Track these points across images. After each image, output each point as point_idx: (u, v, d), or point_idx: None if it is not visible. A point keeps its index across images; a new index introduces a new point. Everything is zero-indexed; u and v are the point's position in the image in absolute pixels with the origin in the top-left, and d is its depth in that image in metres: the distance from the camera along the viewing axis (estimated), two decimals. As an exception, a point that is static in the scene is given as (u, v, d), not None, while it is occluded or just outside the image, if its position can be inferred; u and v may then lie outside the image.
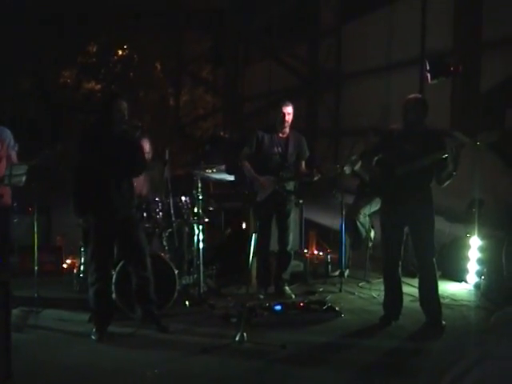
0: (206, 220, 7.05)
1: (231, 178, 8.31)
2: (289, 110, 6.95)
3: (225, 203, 8.52)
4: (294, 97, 16.49)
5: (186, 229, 7.13)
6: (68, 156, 6.37)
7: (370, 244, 8.00)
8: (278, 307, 6.37)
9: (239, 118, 19.78)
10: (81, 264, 7.18)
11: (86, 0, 17.90)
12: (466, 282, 7.43)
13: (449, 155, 5.62)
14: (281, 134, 7.02)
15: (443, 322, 5.96)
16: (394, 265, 6.08)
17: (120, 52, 23.27)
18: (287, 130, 7.03)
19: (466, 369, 3.09)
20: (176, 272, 6.39)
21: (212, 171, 8.97)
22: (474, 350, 5.14)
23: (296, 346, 5.50)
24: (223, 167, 7.46)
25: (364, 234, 7.92)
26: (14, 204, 7.50)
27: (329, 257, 8.09)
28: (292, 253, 7.19)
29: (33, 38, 18.53)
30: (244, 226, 8.14)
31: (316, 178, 6.93)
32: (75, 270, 7.34)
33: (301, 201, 7.94)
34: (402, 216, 5.97)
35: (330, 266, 7.99)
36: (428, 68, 6.93)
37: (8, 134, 6.60)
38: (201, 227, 6.89)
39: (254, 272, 7.28)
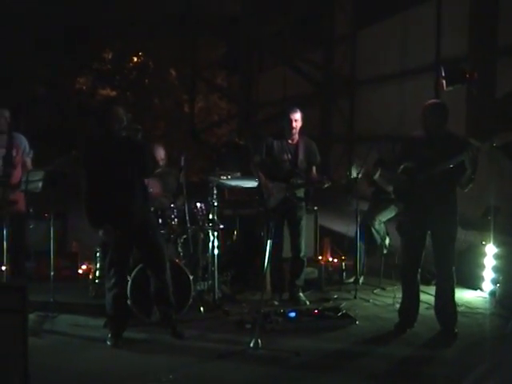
0: (221, 226, 7.06)
1: (247, 184, 8.32)
2: (296, 117, 6.96)
3: (239, 210, 8.54)
4: (309, 103, 16.57)
5: (201, 235, 7.15)
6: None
7: (385, 251, 7.98)
8: (293, 314, 6.37)
9: (253, 124, 19.80)
10: (96, 269, 7.22)
11: (101, 7, 17.97)
12: (481, 289, 7.39)
13: (466, 158, 5.61)
14: (290, 141, 7.03)
15: (456, 330, 5.93)
16: (413, 272, 6.06)
17: (135, 59, 23.40)
18: (296, 136, 7.03)
19: (481, 376, 3.09)
20: (191, 278, 6.41)
21: (227, 178, 9.00)
22: (489, 357, 5.13)
23: (310, 352, 5.50)
24: (238, 174, 7.45)
25: (379, 240, 7.91)
26: (30, 210, 7.58)
27: (343, 264, 8.09)
28: (305, 259, 7.18)
29: (48, 44, 18.68)
30: (258, 232, 8.13)
31: (326, 185, 6.92)
32: (91, 276, 7.39)
33: (315, 207, 7.95)
34: (425, 223, 5.94)
35: (344, 273, 7.99)
36: (444, 75, 6.91)
37: (23, 141, 6.68)
38: (216, 233, 6.91)
39: (268, 278, 7.29)
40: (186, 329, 5.97)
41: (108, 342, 5.63)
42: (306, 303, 7.00)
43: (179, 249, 6.92)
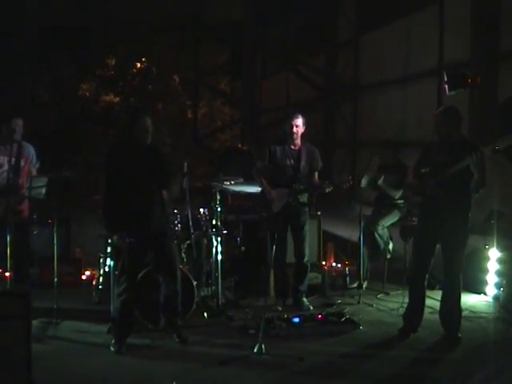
0: (224, 232, 7.06)
1: (250, 189, 8.34)
2: (297, 122, 6.97)
3: (243, 215, 8.55)
4: (312, 108, 16.57)
5: (205, 241, 7.16)
6: (87, 169, 6.43)
7: (389, 256, 7.98)
8: (296, 319, 6.38)
9: (257, 129, 19.83)
10: (99, 275, 7.23)
11: (104, 13, 18.02)
12: (484, 293, 7.39)
13: (471, 163, 5.61)
14: (293, 147, 7.05)
15: (459, 335, 5.93)
16: (421, 277, 6.07)
17: (138, 65, 23.46)
18: (298, 142, 7.05)
19: (484, 380, 3.09)
20: (194, 284, 6.41)
21: (231, 183, 9.03)
22: (491, 361, 5.13)
23: (314, 357, 5.50)
24: (241, 179, 7.47)
25: (382, 245, 7.91)
26: (34, 216, 7.61)
27: (347, 269, 8.09)
28: (308, 265, 7.18)
29: (51, 50, 18.74)
30: (262, 238, 8.14)
31: (328, 190, 6.92)
32: (94, 282, 7.39)
33: (318, 213, 7.95)
34: (436, 228, 5.93)
35: (348, 278, 7.98)
36: (446, 79, 6.92)
37: (31, 151, 6.71)
38: (219, 239, 6.92)
39: (272, 284, 7.30)
40: (190, 334, 5.97)
41: (111, 348, 5.63)
42: (309, 308, 7.00)
43: (183, 254, 6.93)
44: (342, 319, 6.43)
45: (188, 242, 6.92)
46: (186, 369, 5.26)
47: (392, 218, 7.92)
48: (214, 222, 6.98)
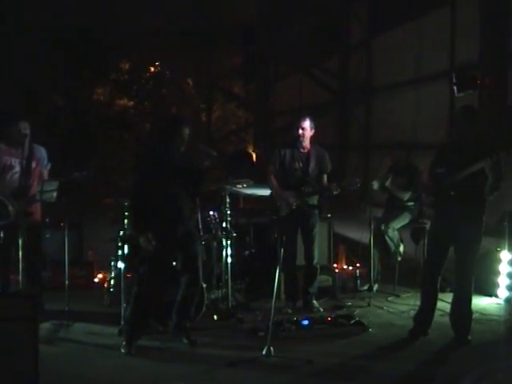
0: (234, 234, 7.09)
1: (261, 192, 8.38)
2: (304, 125, 6.99)
3: (254, 218, 8.57)
4: (325, 111, 16.59)
5: (215, 243, 7.19)
6: (100, 173, 6.48)
7: (399, 258, 7.97)
8: (306, 321, 6.38)
9: (270, 133, 19.85)
10: (111, 278, 7.28)
11: (117, 19, 18.14)
12: (496, 296, 7.36)
13: (486, 166, 5.60)
14: (302, 149, 7.06)
15: (469, 337, 5.91)
16: (434, 279, 6.05)
17: (152, 69, 23.56)
18: (307, 144, 7.06)
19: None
20: (204, 286, 6.44)
21: (243, 186, 9.06)
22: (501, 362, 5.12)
23: (322, 359, 5.51)
24: (252, 182, 7.51)
25: (393, 248, 7.90)
26: (47, 219, 7.66)
27: (358, 271, 8.09)
28: (318, 267, 7.18)
29: (65, 55, 18.89)
30: (272, 240, 8.16)
31: (336, 192, 6.93)
32: (105, 285, 7.44)
33: (328, 215, 7.96)
34: (449, 230, 5.92)
35: (359, 281, 7.98)
36: (454, 81, 6.92)
37: (43, 153, 6.75)
38: (229, 242, 6.94)
39: (282, 286, 7.31)
40: (199, 336, 6.00)
41: (122, 350, 5.67)
42: (319, 311, 7.01)
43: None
44: (352, 321, 6.42)
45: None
46: (194, 370, 5.29)
47: (402, 221, 7.91)
48: (223, 224, 7.00)
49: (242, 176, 7.78)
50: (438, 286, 6.12)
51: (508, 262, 7.22)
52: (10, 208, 6.28)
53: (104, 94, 22.95)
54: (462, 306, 5.99)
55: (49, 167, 6.71)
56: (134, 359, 5.54)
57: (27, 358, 3.53)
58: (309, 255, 7.11)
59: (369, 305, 7.26)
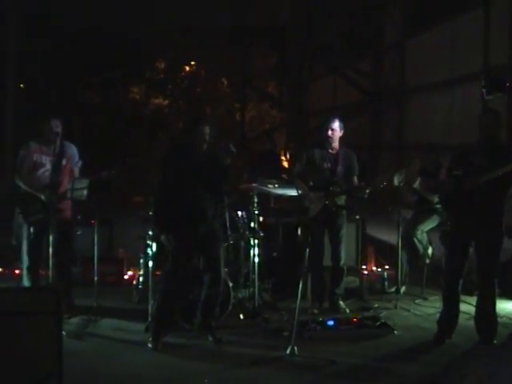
0: (261, 234, 7.13)
1: (290, 192, 8.41)
2: (333, 126, 7.04)
3: (283, 218, 8.61)
4: (358, 112, 16.57)
5: (243, 243, 7.25)
6: (132, 171, 6.58)
7: (428, 261, 7.93)
8: (331, 322, 6.39)
9: (303, 133, 19.86)
10: (140, 275, 7.38)
11: (153, 17, 18.31)
12: (525, 300, 7.30)
13: None
14: (330, 150, 7.10)
15: (494, 341, 5.87)
16: (455, 281, 6.03)
17: (187, 68, 23.75)
18: (336, 145, 7.10)
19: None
20: (230, 285, 6.50)
21: (274, 186, 9.10)
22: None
23: (346, 360, 5.53)
24: (282, 182, 7.57)
25: (421, 250, 7.87)
26: (78, 217, 7.80)
27: (385, 273, 8.08)
28: (345, 268, 7.20)
29: (102, 54, 19.12)
30: (299, 240, 8.20)
31: (366, 192, 6.94)
32: (135, 282, 7.55)
33: (357, 216, 7.97)
34: (469, 232, 5.90)
35: (386, 283, 7.97)
36: (483, 84, 6.88)
37: (74, 151, 6.87)
38: (256, 241, 6.99)
39: (309, 287, 7.35)
40: (225, 335, 6.06)
41: (149, 345, 5.77)
42: (345, 312, 7.03)
43: (221, 256, 7.02)
44: (377, 323, 6.43)
45: (226, 244, 7.01)
46: (218, 368, 5.35)
47: (431, 223, 7.87)
48: (251, 224, 7.06)
49: (269, 176, 7.82)
50: (460, 289, 6.09)
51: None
52: (44, 198, 6.40)
53: (139, 93, 23.20)
54: (485, 309, 5.94)
55: (80, 165, 6.83)
56: (159, 355, 5.63)
57: (51, 351, 3.61)
58: (335, 256, 7.14)
59: (395, 307, 7.25)
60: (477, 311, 6.05)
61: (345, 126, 7.18)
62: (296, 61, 20.38)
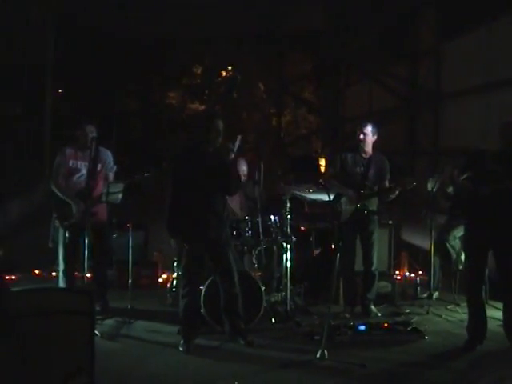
0: (294, 239, 7.19)
1: (325, 198, 8.46)
2: (366, 131, 7.12)
3: (316, 223, 8.66)
4: (394, 117, 16.51)
5: (275, 247, 7.31)
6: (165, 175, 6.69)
7: (460, 267, 7.89)
8: (362, 327, 6.42)
9: (339, 138, 19.85)
10: (173, 278, 7.49)
11: (190, 24, 18.49)
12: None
13: None
14: (363, 154, 7.15)
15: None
16: (477, 288, 6.03)
17: (224, 73, 23.90)
18: (369, 150, 7.15)
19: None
20: (263, 289, 6.57)
21: (309, 191, 9.18)
22: None
23: (376, 364, 5.55)
24: (315, 187, 7.63)
25: (454, 256, 7.84)
26: (114, 220, 7.95)
27: (418, 278, 8.07)
28: (376, 273, 7.22)
29: (140, 60, 19.38)
30: (333, 245, 8.23)
31: (397, 193, 6.97)
32: (168, 284, 7.66)
33: (390, 222, 7.98)
34: (487, 237, 5.89)
35: (419, 288, 7.97)
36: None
37: (109, 156, 7.02)
38: (288, 246, 7.05)
39: (341, 292, 7.39)
40: (257, 338, 6.12)
41: (180, 348, 5.86)
42: (377, 316, 7.06)
43: (254, 260, 7.10)
44: (408, 328, 6.44)
45: (259, 248, 7.09)
46: (248, 370, 5.41)
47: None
48: (284, 228, 7.12)
49: (307, 181, 7.87)
50: (483, 294, 6.08)
51: None
52: (74, 209, 6.57)
53: (176, 98, 23.41)
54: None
55: (115, 170, 6.97)
56: (190, 357, 5.71)
57: (83, 350, 3.72)
58: (367, 261, 7.17)
59: (427, 312, 7.24)
60: (504, 318, 6.03)
61: (378, 131, 7.23)
62: (332, 66, 20.38)
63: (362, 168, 7.13)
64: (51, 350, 3.64)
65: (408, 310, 7.36)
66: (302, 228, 8.61)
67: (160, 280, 8.49)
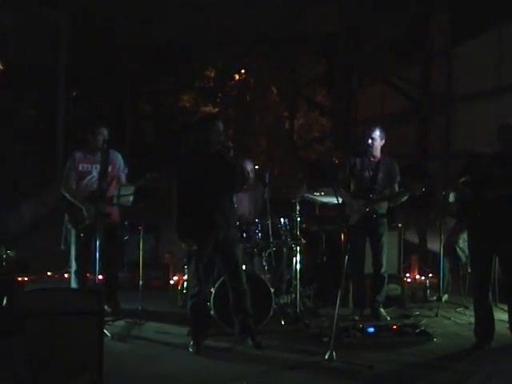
0: (304, 241, 7.23)
1: (333, 201, 8.50)
2: (374, 135, 7.13)
3: (326, 225, 8.69)
4: (405, 120, 16.49)
5: (284, 250, 7.36)
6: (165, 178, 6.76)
7: (470, 269, 7.90)
8: (371, 329, 6.46)
9: (351, 141, 19.86)
10: (184, 280, 7.55)
11: (204, 26, 18.57)
12: None
13: None
14: (372, 158, 7.18)
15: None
16: (483, 291, 6.04)
17: (237, 76, 23.96)
18: (377, 154, 7.17)
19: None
20: (272, 291, 6.62)
21: (320, 194, 9.21)
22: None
23: (383, 366, 5.59)
24: (327, 190, 7.66)
25: (464, 259, 7.85)
26: (126, 223, 8.03)
27: (428, 281, 8.09)
28: (386, 275, 7.24)
29: (153, 63, 19.47)
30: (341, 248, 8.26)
31: (406, 197, 7.00)
32: (179, 286, 7.72)
33: (399, 225, 8.01)
34: (490, 241, 5.90)
35: (428, 291, 7.99)
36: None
37: (119, 158, 7.11)
38: (298, 248, 7.10)
39: (350, 294, 7.42)
40: (265, 339, 6.16)
41: (190, 349, 5.92)
42: (386, 319, 7.07)
43: (264, 263, 7.15)
44: (417, 331, 6.47)
45: (269, 250, 7.14)
46: (256, 371, 5.47)
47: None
48: (293, 231, 7.17)
49: (320, 184, 7.89)
50: (490, 296, 6.09)
51: None
52: (85, 212, 6.66)
53: (189, 101, 23.50)
54: None
55: (126, 171, 7.05)
56: (199, 358, 5.78)
57: (92, 350, 3.79)
58: (376, 263, 7.20)
59: (436, 315, 7.27)
60: (510, 320, 6.05)
61: (386, 135, 7.25)
62: (344, 69, 20.40)
63: (371, 172, 7.16)
64: (59, 349, 3.71)
65: (417, 313, 7.37)
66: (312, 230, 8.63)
67: (171, 282, 8.55)
